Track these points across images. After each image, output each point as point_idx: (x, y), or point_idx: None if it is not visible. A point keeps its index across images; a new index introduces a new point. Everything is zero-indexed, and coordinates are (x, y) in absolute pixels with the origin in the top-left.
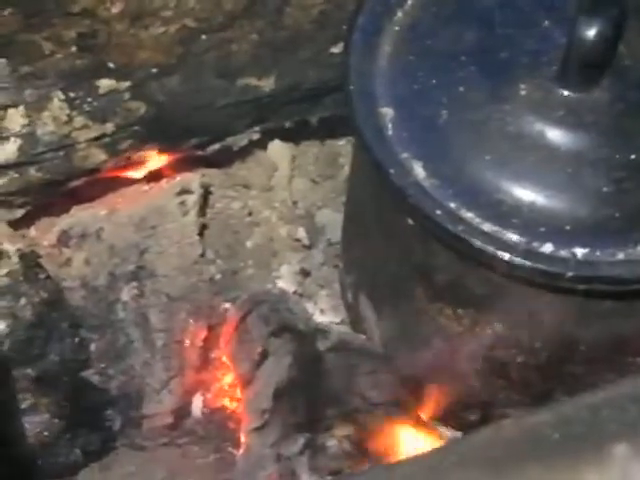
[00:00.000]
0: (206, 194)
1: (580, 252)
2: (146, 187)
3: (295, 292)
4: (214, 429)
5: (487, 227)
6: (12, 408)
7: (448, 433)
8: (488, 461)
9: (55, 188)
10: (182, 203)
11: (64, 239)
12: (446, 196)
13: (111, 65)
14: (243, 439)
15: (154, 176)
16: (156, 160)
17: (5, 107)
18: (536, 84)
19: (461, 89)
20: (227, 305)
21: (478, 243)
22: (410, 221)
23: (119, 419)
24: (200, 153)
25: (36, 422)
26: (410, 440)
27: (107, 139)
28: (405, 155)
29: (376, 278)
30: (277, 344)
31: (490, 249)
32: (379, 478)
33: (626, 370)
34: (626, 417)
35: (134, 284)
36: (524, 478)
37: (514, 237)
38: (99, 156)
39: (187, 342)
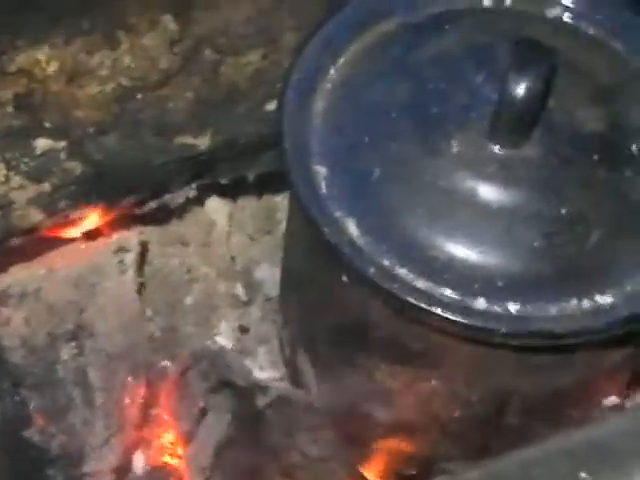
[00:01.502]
0: (144, 251)
1: (513, 307)
2: (84, 245)
3: (233, 348)
4: None
5: (421, 283)
6: None
7: None
8: None
9: None
10: (120, 261)
11: (3, 298)
12: (380, 253)
13: (48, 124)
14: None
15: (92, 234)
16: (94, 218)
17: None
18: (468, 140)
19: (393, 145)
20: (166, 362)
21: (412, 300)
22: (345, 278)
23: (60, 477)
24: (138, 211)
25: None
26: None
27: (44, 199)
28: (339, 213)
29: (313, 333)
30: (216, 400)
31: (424, 306)
32: None
33: (562, 422)
34: (555, 474)
35: (73, 343)
36: None
37: (448, 293)
38: (36, 215)
39: (127, 400)
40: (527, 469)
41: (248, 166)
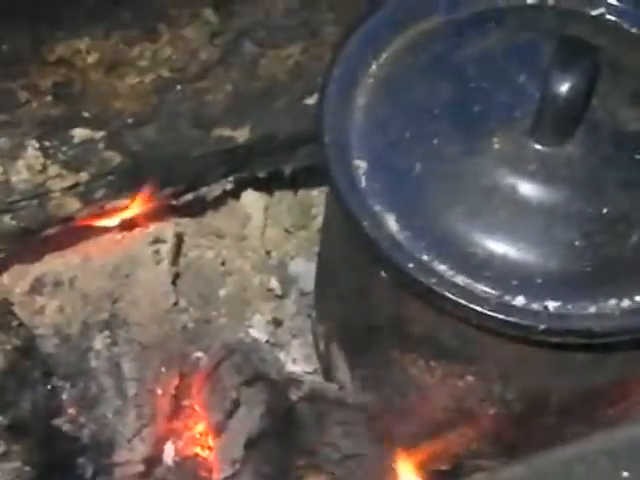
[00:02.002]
0: (179, 243)
1: (552, 305)
2: (119, 236)
3: (267, 341)
4: (185, 477)
5: (460, 280)
6: None
7: None
8: None
9: (29, 236)
10: (155, 252)
11: (37, 287)
12: (419, 249)
13: (86, 114)
14: None
15: (128, 225)
16: (130, 209)
17: None
18: (509, 138)
19: (434, 142)
20: (199, 354)
21: (451, 296)
22: (383, 273)
23: (91, 467)
24: (174, 202)
25: (8, 470)
26: None
27: (81, 188)
28: (378, 207)
29: (348, 328)
30: (249, 393)
31: (462, 302)
32: None
33: (597, 422)
34: (597, 472)
35: (107, 333)
36: None
37: (486, 290)
38: (73, 205)
39: (159, 390)
40: (568, 466)
41: (285, 160)
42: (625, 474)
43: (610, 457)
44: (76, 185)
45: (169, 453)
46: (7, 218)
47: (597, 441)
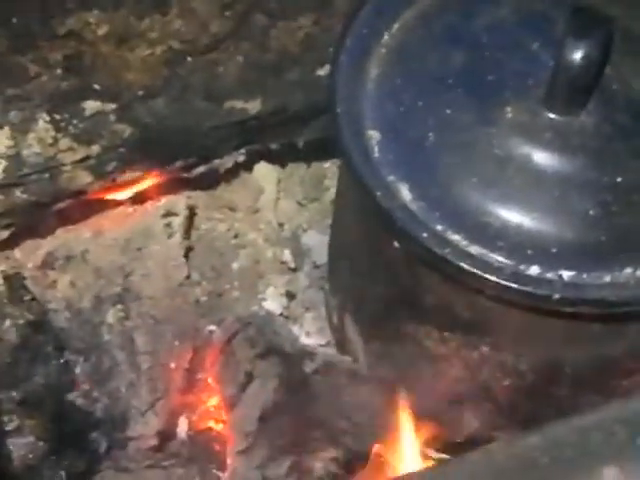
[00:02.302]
0: (191, 216)
1: (566, 275)
2: (131, 209)
3: (281, 314)
4: (199, 451)
5: (474, 250)
6: None
7: (434, 455)
8: None
9: (40, 210)
10: (168, 225)
11: (49, 261)
12: (433, 219)
13: (97, 87)
14: (228, 461)
15: (139, 198)
16: (142, 182)
17: None
18: (523, 107)
19: (448, 111)
20: (213, 327)
21: (465, 266)
22: (396, 244)
23: (104, 441)
24: (186, 175)
25: (21, 444)
26: (396, 462)
27: (92, 161)
28: (391, 178)
29: (362, 301)
30: (263, 366)
31: (477, 272)
32: None
33: (612, 392)
34: (615, 440)
35: (119, 306)
36: None
37: (501, 259)
38: (84, 178)
39: (172, 364)
40: (585, 434)
41: (297, 132)
42: None
43: (627, 425)
44: (87, 158)
45: (183, 427)
46: (18, 192)
47: (613, 410)
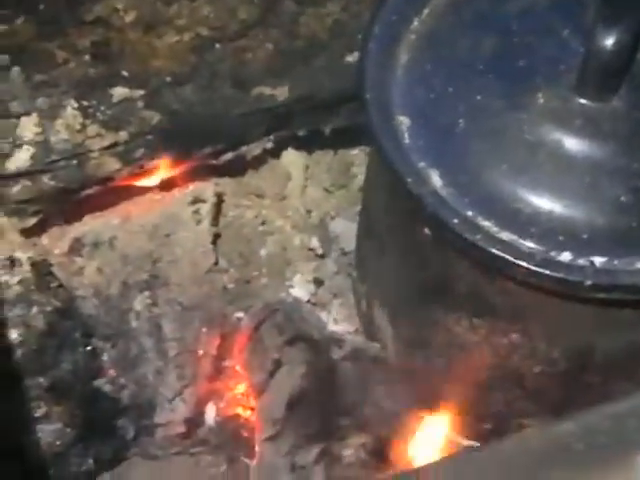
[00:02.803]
0: (219, 203)
1: (598, 261)
2: (159, 196)
3: (308, 301)
4: (227, 438)
5: (505, 236)
6: (25, 417)
7: (463, 442)
8: (511, 471)
9: (68, 196)
10: (195, 212)
11: (77, 248)
12: (463, 205)
13: (125, 73)
14: (257, 448)
15: (167, 185)
16: (169, 169)
17: (18, 115)
18: (554, 93)
19: (478, 97)
20: (240, 314)
21: (496, 252)
22: (427, 230)
23: (132, 428)
24: (213, 162)
25: (49, 431)
26: (425, 449)
27: (120, 148)
28: (422, 164)
29: (391, 288)
30: (291, 353)
31: (508, 258)
32: None
33: None
34: None
35: (147, 293)
36: None
37: (532, 246)
38: (112, 165)
39: (200, 351)
40: (621, 420)
41: (325, 119)
42: None
43: None
44: (115, 144)
45: (210, 414)
46: (46, 178)
47: None
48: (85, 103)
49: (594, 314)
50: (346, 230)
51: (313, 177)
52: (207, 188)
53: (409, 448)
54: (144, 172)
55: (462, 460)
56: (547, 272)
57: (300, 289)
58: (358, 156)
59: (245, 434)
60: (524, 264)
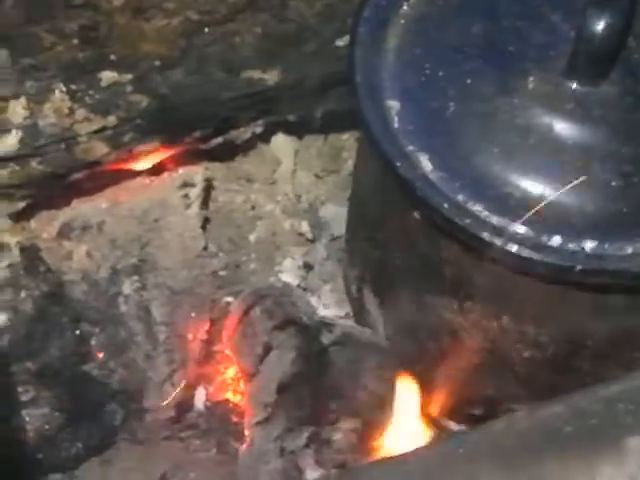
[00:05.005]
0: (209, 187)
1: (589, 246)
2: (148, 180)
3: (299, 286)
4: (217, 423)
5: (495, 220)
6: (12, 402)
7: (453, 427)
8: (501, 454)
9: (56, 181)
10: (185, 196)
11: (65, 232)
12: (453, 189)
13: (113, 57)
14: (246, 433)
15: (156, 169)
16: (159, 153)
17: (6, 99)
18: (544, 77)
19: (468, 81)
20: (230, 299)
21: (486, 236)
22: (417, 214)
23: (120, 413)
24: (203, 146)
25: (37, 415)
26: (415, 433)
27: (109, 132)
28: (411, 148)
29: (381, 272)
30: (281, 338)
31: (498, 242)
32: (388, 471)
33: (633, 365)
34: None
35: (136, 277)
36: (538, 471)
37: (522, 230)
38: (101, 149)
39: (190, 335)
40: (611, 404)
41: (315, 103)
42: None
43: None
44: (104, 129)
45: (200, 398)
46: (34, 163)
47: (639, 379)
48: (74, 87)
49: (584, 300)
50: (336, 215)
51: (303, 162)
52: (196, 172)
53: (399, 433)
54: (133, 156)
55: (451, 444)
56: (537, 257)
57: (290, 274)
58: (349, 141)
59: (235, 419)
60: (514, 249)
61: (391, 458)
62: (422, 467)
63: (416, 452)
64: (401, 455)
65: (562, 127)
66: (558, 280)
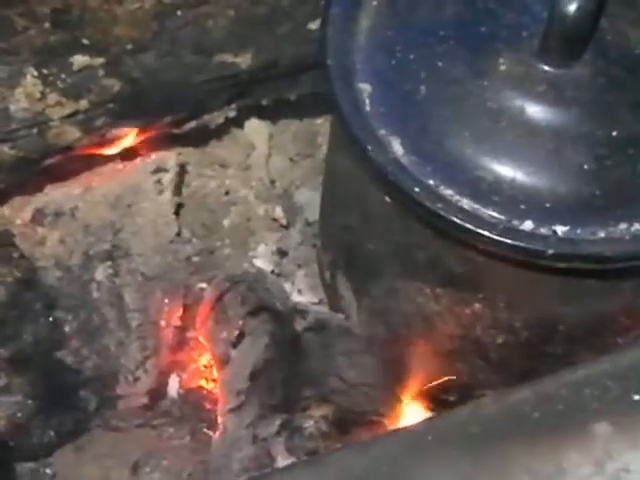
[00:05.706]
0: (182, 172)
1: (561, 230)
2: (121, 165)
3: (272, 272)
4: (190, 410)
5: (466, 204)
6: None
7: (427, 414)
8: (467, 440)
9: (29, 166)
10: (158, 181)
11: (38, 218)
12: (425, 173)
13: (85, 41)
14: (219, 420)
15: (129, 154)
16: (131, 138)
17: None
18: (516, 59)
19: (440, 64)
20: (203, 285)
21: (457, 220)
22: (388, 199)
23: (93, 400)
24: (176, 131)
25: (9, 403)
26: (387, 421)
27: (81, 116)
28: (383, 131)
29: (354, 257)
30: (254, 324)
31: (469, 226)
32: (355, 456)
33: (606, 351)
34: (607, 395)
35: (109, 263)
36: (504, 457)
37: (494, 214)
38: (73, 134)
39: (162, 322)
40: (577, 389)
41: (289, 87)
42: (636, 397)
43: (620, 380)
44: (76, 113)
45: (173, 385)
46: (6, 148)
47: (606, 364)
48: (45, 71)
49: (556, 284)
50: (311, 200)
51: (277, 146)
52: (169, 157)
53: (370, 419)
54: (105, 141)
55: (419, 429)
56: (509, 241)
57: (264, 260)
58: (323, 125)
59: (208, 406)
60: (486, 233)
61: (359, 444)
62: (389, 453)
63: (384, 438)
64: (369, 441)
65: (534, 109)
66: (530, 264)
